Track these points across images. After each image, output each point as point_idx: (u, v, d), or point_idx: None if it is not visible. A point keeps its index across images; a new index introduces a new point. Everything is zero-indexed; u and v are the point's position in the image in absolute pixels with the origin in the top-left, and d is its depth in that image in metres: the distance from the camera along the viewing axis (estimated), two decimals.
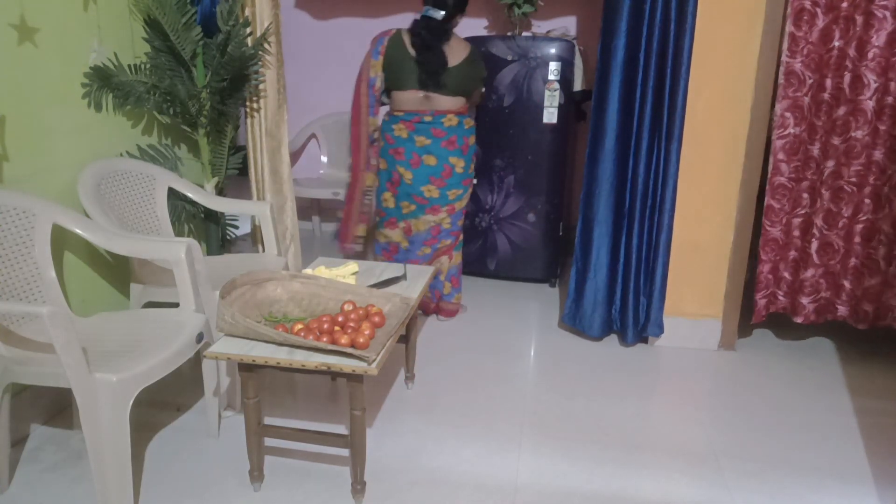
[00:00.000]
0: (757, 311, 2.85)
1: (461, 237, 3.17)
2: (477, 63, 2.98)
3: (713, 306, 2.93)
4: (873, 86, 2.53)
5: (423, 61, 2.84)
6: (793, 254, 2.79)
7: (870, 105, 2.55)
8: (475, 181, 3.21)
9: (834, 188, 2.68)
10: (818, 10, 2.51)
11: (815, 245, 2.74)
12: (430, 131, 2.88)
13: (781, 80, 2.59)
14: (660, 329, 2.91)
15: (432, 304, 3.24)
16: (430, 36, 2.83)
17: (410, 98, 2.89)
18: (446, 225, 3.06)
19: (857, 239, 2.71)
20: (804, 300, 2.81)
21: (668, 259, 2.83)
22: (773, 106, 2.68)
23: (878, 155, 2.60)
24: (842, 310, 2.81)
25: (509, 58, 3.43)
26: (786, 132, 2.63)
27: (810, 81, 2.58)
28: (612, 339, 3.05)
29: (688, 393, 2.66)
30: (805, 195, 2.71)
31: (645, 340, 3.02)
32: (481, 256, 3.77)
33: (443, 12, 2.82)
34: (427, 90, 2.88)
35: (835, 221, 2.71)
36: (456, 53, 2.88)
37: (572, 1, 3.89)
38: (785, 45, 2.56)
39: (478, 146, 3.19)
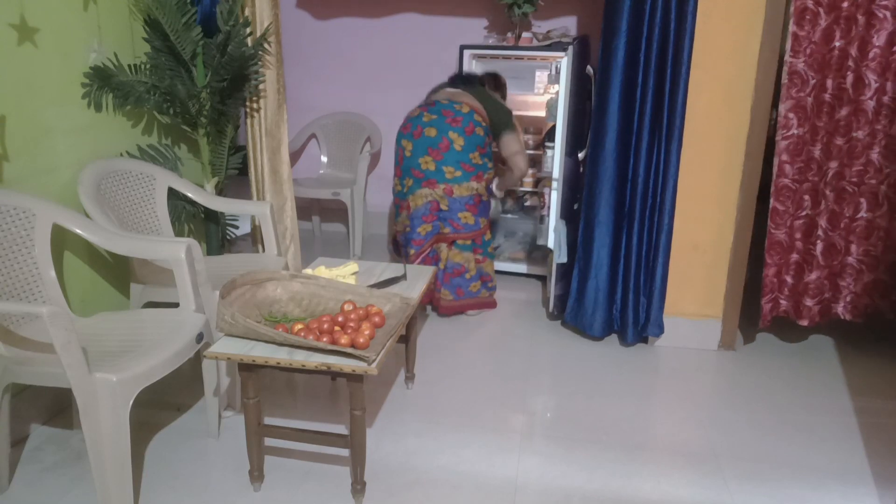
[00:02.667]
0: (763, 316, 2.83)
1: (477, 238, 3.15)
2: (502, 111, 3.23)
3: (713, 306, 2.93)
4: (874, 86, 2.52)
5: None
6: (795, 257, 2.77)
7: (871, 105, 2.55)
8: (485, 184, 3.13)
9: (837, 189, 2.66)
10: (820, 10, 2.50)
11: (819, 247, 2.72)
12: (440, 111, 3.06)
13: (785, 80, 2.57)
14: (660, 329, 2.91)
15: (456, 303, 3.21)
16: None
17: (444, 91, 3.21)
18: (444, 206, 3.06)
19: (853, 238, 2.71)
20: (808, 302, 2.79)
21: (668, 259, 2.83)
22: (774, 106, 2.68)
23: (874, 155, 2.59)
24: (840, 308, 2.80)
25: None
26: (789, 133, 2.61)
27: (813, 81, 2.57)
28: (613, 339, 3.04)
29: (688, 393, 2.66)
30: (807, 197, 2.69)
31: (645, 340, 3.01)
32: None
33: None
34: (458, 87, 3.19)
35: (838, 222, 2.69)
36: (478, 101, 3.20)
37: (572, 1, 3.89)
38: (788, 45, 2.55)
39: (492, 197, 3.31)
